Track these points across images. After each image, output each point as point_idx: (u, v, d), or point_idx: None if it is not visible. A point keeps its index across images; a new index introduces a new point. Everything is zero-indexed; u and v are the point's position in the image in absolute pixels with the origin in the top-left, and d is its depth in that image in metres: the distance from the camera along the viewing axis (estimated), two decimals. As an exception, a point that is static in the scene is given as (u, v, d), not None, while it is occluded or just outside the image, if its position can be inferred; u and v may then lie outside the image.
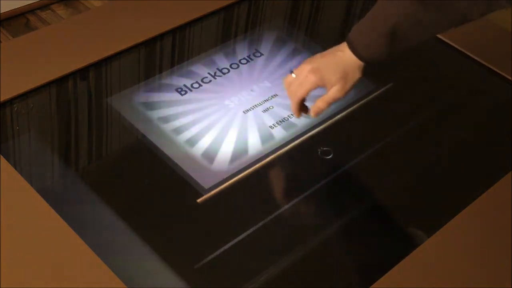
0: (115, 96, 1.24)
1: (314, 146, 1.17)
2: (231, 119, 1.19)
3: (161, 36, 1.34)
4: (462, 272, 0.98)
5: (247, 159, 1.13)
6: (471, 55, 1.37)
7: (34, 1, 1.51)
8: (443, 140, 1.23)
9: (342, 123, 1.21)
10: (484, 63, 1.36)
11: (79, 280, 0.90)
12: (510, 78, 1.33)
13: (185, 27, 1.37)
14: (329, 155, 1.16)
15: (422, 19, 0.92)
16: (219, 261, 0.99)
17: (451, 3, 0.91)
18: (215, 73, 1.28)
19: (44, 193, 1.00)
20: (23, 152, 1.13)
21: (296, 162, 1.16)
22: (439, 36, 1.39)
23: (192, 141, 1.15)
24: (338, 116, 1.22)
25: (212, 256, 0.99)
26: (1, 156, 1.04)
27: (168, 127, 1.17)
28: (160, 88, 1.25)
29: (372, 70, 1.31)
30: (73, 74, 1.23)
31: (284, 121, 1.20)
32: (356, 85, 1.29)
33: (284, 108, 1.22)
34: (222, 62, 1.31)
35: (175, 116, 1.19)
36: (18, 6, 1.49)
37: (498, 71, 1.34)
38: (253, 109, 1.21)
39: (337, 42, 1.01)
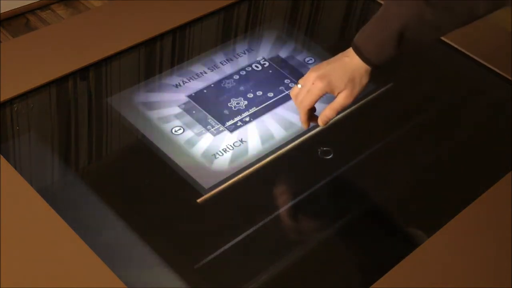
0: (115, 96, 1.24)
1: (314, 146, 1.17)
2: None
3: (161, 36, 1.34)
4: (462, 272, 0.98)
5: (247, 159, 1.13)
6: (471, 55, 1.37)
7: (34, 1, 1.51)
8: (443, 140, 1.23)
9: (342, 123, 1.21)
10: (484, 63, 1.36)
11: (79, 280, 0.90)
12: (510, 78, 1.33)
13: (185, 27, 1.37)
14: (329, 155, 1.16)
15: (429, 19, 0.92)
16: (219, 261, 0.99)
17: (457, 1, 0.91)
18: (215, 73, 1.28)
19: (44, 193, 1.00)
20: (23, 152, 1.13)
21: (296, 162, 1.16)
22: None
23: (192, 141, 1.15)
24: (338, 116, 1.22)
25: (212, 256, 0.99)
26: (1, 156, 1.04)
27: (168, 127, 1.17)
28: (160, 88, 1.25)
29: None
30: (73, 74, 1.23)
31: (284, 121, 1.20)
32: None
33: (284, 108, 1.22)
34: (222, 62, 1.31)
35: (175, 116, 1.19)
36: (18, 6, 1.49)
37: (498, 71, 1.34)
38: (253, 109, 1.21)
39: (337, 42, 1.02)
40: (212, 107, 1.21)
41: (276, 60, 1.32)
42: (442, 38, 1.40)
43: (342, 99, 0.98)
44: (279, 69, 1.30)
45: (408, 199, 1.12)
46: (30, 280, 0.89)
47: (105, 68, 1.26)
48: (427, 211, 1.09)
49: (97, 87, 1.25)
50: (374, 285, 0.94)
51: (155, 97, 1.23)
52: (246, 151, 1.14)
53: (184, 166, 1.10)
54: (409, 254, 0.99)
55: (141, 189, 1.09)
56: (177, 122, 1.17)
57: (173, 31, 1.35)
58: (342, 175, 1.14)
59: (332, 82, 0.97)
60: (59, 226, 0.96)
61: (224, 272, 0.98)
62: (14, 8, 1.49)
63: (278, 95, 1.24)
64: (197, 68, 1.29)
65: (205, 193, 1.07)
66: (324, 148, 1.16)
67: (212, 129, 1.17)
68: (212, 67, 1.29)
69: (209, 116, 1.19)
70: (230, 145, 1.15)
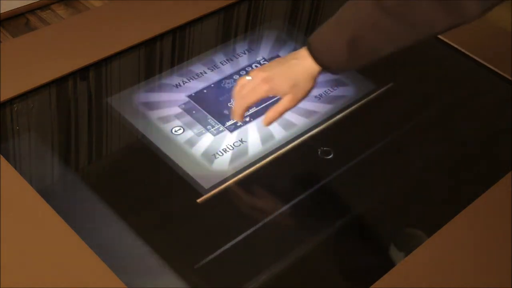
0: (115, 96, 1.24)
1: (314, 146, 1.17)
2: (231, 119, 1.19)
3: (161, 36, 1.34)
4: (462, 272, 0.98)
5: (247, 159, 1.13)
6: (471, 55, 1.37)
7: (34, 1, 1.51)
8: (443, 140, 1.23)
9: (342, 123, 1.21)
10: (484, 63, 1.36)
11: (79, 280, 0.90)
12: (510, 78, 1.33)
13: (185, 27, 1.37)
14: (329, 155, 1.16)
15: (384, 28, 0.89)
16: (219, 261, 0.99)
17: (413, 11, 0.87)
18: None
19: (44, 193, 1.00)
20: (23, 152, 1.13)
21: (296, 162, 1.16)
22: (439, 36, 1.40)
23: (192, 141, 1.15)
24: (338, 116, 1.22)
25: (212, 256, 0.99)
26: (1, 156, 1.04)
27: (168, 127, 1.17)
28: (160, 88, 1.25)
29: (372, 70, 1.31)
30: (73, 74, 1.23)
31: (284, 121, 1.20)
32: (356, 85, 1.30)
33: (284, 108, 1.22)
34: (222, 62, 1.31)
35: (175, 116, 1.19)
36: (18, 6, 1.49)
37: (498, 71, 1.34)
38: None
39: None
40: (212, 107, 1.21)
41: (276, 60, 1.32)
42: (442, 38, 1.40)
43: (285, 102, 0.99)
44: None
45: (408, 199, 1.12)
46: (30, 280, 0.89)
47: (105, 68, 1.26)
48: (427, 211, 1.10)
49: (97, 87, 1.25)
50: (374, 285, 0.94)
51: (155, 97, 1.23)
52: (246, 151, 1.14)
53: (184, 166, 1.10)
54: (409, 254, 0.99)
55: (141, 189, 1.09)
56: (177, 122, 1.17)
57: (173, 31, 1.35)
58: (342, 175, 1.14)
59: (276, 86, 0.97)
60: (59, 226, 0.96)
61: (224, 272, 0.98)
62: (14, 8, 1.49)
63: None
64: (197, 68, 1.29)
65: (205, 193, 1.07)
66: (324, 148, 1.16)
67: (212, 129, 1.17)
68: (212, 67, 1.29)
69: (209, 116, 1.19)
70: (230, 145, 1.15)
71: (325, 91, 1.27)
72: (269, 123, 1.01)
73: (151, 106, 1.21)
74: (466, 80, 1.37)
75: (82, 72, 1.24)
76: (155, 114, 1.19)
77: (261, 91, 0.98)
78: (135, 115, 1.19)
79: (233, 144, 1.15)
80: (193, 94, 1.23)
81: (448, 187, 1.14)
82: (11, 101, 1.16)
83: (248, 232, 1.03)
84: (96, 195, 1.05)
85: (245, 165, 1.12)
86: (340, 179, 1.13)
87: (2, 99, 1.15)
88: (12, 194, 0.99)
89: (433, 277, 0.96)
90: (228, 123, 1.18)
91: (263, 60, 1.32)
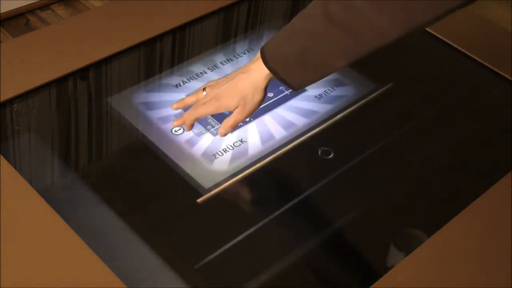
0: (115, 96, 1.24)
1: (314, 146, 1.17)
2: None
3: (161, 36, 1.34)
4: (462, 272, 0.98)
5: (247, 159, 1.13)
6: (471, 55, 1.37)
7: (34, 1, 1.51)
8: (443, 140, 1.23)
9: (342, 123, 1.21)
10: (484, 63, 1.36)
11: (79, 280, 0.90)
12: (510, 78, 1.33)
13: (185, 27, 1.37)
14: (329, 155, 1.16)
15: (333, 39, 0.87)
16: (219, 261, 0.99)
17: (359, 21, 0.85)
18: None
19: (44, 193, 1.00)
20: (23, 152, 1.13)
21: (296, 162, 1.16)
22: (439, 36, 1.40)
23: (192, 141, 1.15)
24: (338, 116, 1.22)
25: (212, 256, 0.99)
26: (1, 156, 1.04)
27: (168, 127, 1.17)
28: (160, 88, 1.25)
29: (372, 70, 1.31)
30: (73, 74, 1.23)
31: (284, 121, 1.20)
32: (356, 85, 1.30)
33: (284, 108, 1.22)
34: (222, 62, 1.31)
35: (175, 116, 1.19)
36: (18, 6, 1.49)
37: (498, 71, 1.34)
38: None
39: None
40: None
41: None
42: (442, 38, 1.40)
43: (235, 115, 1.01)
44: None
45: (408, 199, 1.12)
46: (30, 280, 0.89)
47: (105, 68, 1.26)
48: (427, 211, 1.10)
49: (97, 87, 1.25)
50: (374, 285, 0.94)
51: (155, 97, 1.23)
52: (246, 151, 1.14)
53: (184, 166, 1.10)
54: (409, 254, 0.99)
55: (141, 189, 1.09)
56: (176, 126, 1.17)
57: (173, 31, 1.35)
58: (342, 175, 1.14)
59: (224, 103, 1.01)
60: (59, 226, 0.96)
61: (224, 272, 0.98)
62: (14, 8, 1.49)
63: (278, 95, 1.24)
64: (197, 68, 1.29)
65: (205, 193, 1.07)
66: (324, 148, 1.16)
67: (212, 129, 1.17)
68: (212, 67, 1.29)
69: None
70: (230, 145, 1.15)
71: (325, 91, 1.27)
72: (224, 134, 1.05)
73: (151, 106, 1.21)
74: (466, 80, 1.37)
75: (82, 72, 1.24)
76: (155, 114, 1.19)
77: (211, 108, 1.02)
78: (135, 115, 1.19)
79: (233, 144, 1.15)
80: (193, 94, 1.23)
81: (448, 187, 1.14)
82: (11, 101, 1.16)
83: (248, 232, 1.03)
84: (96, 195, 1.05)
85: (245, 165, 1.12)
86: (340, 179, 1.13)
87: (2, 99, 1.15)
88: (12, 194, 0.99)
89: (433, 277, 0.96)
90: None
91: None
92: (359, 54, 0.88)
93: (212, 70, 1.28)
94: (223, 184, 1.09)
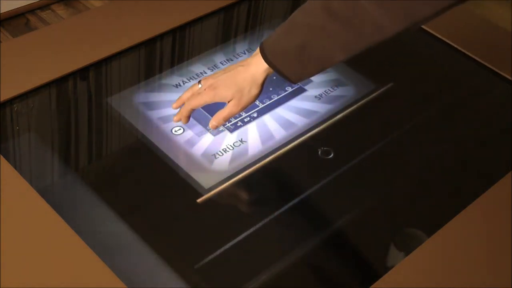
0: (115, 96, 1.24)
1: (314, 146, 1.17)
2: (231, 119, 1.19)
3: (161, 36, 1.34)
4: (462, 272, 0.98)
5: (247, 159, 1.13)
6: (471, 55, 1.37)
7: (34, 1, 1.51)
8: (443, 140, 1.23)
9: (342, 123, 1.21)
10: (484, 63, 1.36)
11: (79, 280, 0.90)
12: (510, 78, 1.33)
13: (185, 27, 1.37)
14: (329, 155, 1.16)
15: (333, 33, 0.88)
16: (219, 261, 0.99)
17: (359, 14, 0.85)
18: (215, 73, 1.28)
19: (44, 193, 1.00)
20: (23, 152, 1.13)
21: (296, 162, 1.16)
22: (439, 36, 1.40)
23: (192, 141, 1.15)
24: (338, 116, 1.22)
25: (212, 256, 0.99)
26: (1, 156, 1.04)
27: (168, 127, 1.17)
28: (160, 88, 1.25)
29: (372, 70, 1.31)
30: (73, 74, 1.23)
31: (284, 121, 1.20)
32: (356, 85, 1.30)
33: (284, 108, 1.22)
34: (222, 62, 1.31)
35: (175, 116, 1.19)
36: (18, 6, 1.49)
37: (498, 71, 1.34)
38: (253, 109, 1.21)
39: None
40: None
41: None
42: (442, 38, 1.40)
43: (229, 107, 1.02)
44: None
45: (408, 199, 1.12)
46: (30, 280, 0.89)
47: (105, 68, 1.26)
48: (427, 211, 1.10)
49: (97, 87, 1.25)
50: (374, 285, 0.94)
51: (155, 97, 1.23)
52: (246, 151, 1.14)
53: (184, 166, 1.10)
54: (409, 254, 0.99)
55: (141, 189, 1.09)
56: (177, 122, 1.17)
57: (173, 31, 1.35)
58: (342, 175, 1.14)
59: (219, 93, 1.02)
60: (59, 226, 0.96)
61: (224, 272, 0.98)
62: (14, 8, 1.49)
63: (278, 95, 1.24)
64: (197, 68, 1.29)
65: (205, 193, 1.07)
66: (324, 148, 1.16)
67: (212, 129, 1.17)
68: (212, 67, 1.29)
69: (209, 116, 1.19)
70: (230, 145, 1.15)
71: (325, 91, 1.27)
72: (215, 127, 1.06)
73: (151, 106, 1.21)
74: (466, 80, 1.37)
75: (82, 72, 1.24)
76: (155, 114, 1.19)
77: (205, 97, 1.03)
78: (135, 115, 1.19)
79: (233, 144, 1.15)
80: (193, 94, 1.23)
81: (448, 187, 1.14)
82: (11, 101, 1.16)
83: (248, 232, 1.03)
84: (96, 195, 1.05)
85: (245, 165, 1.12)
86: (340, 179, 1.13)
87: (2, 99, 1.15)
88: (12, 194, 0.99)
89: (433, 277, 0.96)
90: (228, 123, 1.18)
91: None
92: (358, 48, 0.89)
93: (212, 70, 1.28)
94: (223, 184, 1.09)
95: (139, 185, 1.09)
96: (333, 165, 1.15)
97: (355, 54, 0.90)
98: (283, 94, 1.24)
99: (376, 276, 0.95)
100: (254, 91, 1.00)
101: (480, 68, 1.36)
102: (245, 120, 1.19)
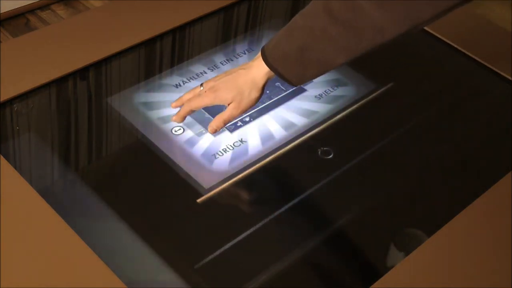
0: (115, 96, 1.24)
1: (314, 146, 1.17)
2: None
3: (161, 36, 1.34)
4: (462, 272, 0.98)
5: (247, 159, 1.13)
6: (471, 55, 1.37)
7: (34, 1, 1.51)
8: (443, 140, 1.23)
9: (342, 123, 1.21)
10: (484, 63, 1.36)
11: (79, 280, 0.90)
12: (510, 78, 1.33)
13: (185, 27, 1.37)
14: (329, 155, 1.16)
15: (333, 36, 0.88)
16: (219, 261, 0.99)
17: (359, 17, 0.85)
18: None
19: (44, 193, 1.00)
20: (23, 152, 1.13)
21: (296, 162, 1.16)
22: (439, 36, 1.40)
23: (192, 141, 1.15)
24: (338, 116, 1.22)
25: (212, 256, 0.99)
26: (1, 156, 1.04)
27: (168, 127, 1.17)
28: (160, 88, 1.25)
29: (372, 70, 1.31)
30: (73, 74, 1.23)
31: (284, 121, 1.20)
32: (356, 85, 1.30)
33: (284, 108, 1.22)
34: (222, 62, 1.31)
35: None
36: (18, 6, 1.49)
37: (498, 71, 1.34)
38: (253, 109, 1.21)
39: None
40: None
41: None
42: (442, 38, 1.40)
43: (229, 110, 1.03)
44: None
45: (408, 199, 1.12)
46: (30, 280, 0.89)
47: (105, 68, 1.26)
48: (427, 211, 1.09)
49: (97, 87, 1.25)
50: (374, 285, 0.94)
51: (155, 97, 1.23)
52: (246, 151, 1.14)
53: (184, 166, 1.10)
54: (409, 254, 0.99)
55: (141, 189, 1.09)
56: (175, 122, 1.17)
57: (173, 31, 1.35)
58: (342, 175, 1.14)
59: (220, 96, 1.02)
60: (59, 226, 0.96)
61: (224, 272, 0.98)
62: (14, 8, 1.49)
63: (278, 95, 1.24)
64: (197, 68, 1.29)
65: (205, 193, 1.07)
66: (324, 148, 1.16)
67: (212, 129, 1.17)
68: (212, 67, 1.29)
69: (209, 116, 1.19)
70: (230, 145, 1.15)
71: (325, 91, 1.27)
72: (214, 130, 1.06)
73: (151, 106, 1.21)
74: (466, 80, 1.37)
75: (82, 72, 1.24)
76: (155, 114, 1.19)
77: (206, 99, 1.04)
78: (135, 115, 1.19)
79: (233, 144, 1.15)
80: (193, 94, 1.23)
81: (448, 187, 1.14)
82: (11, 101, 1.16)
83: (248, 232, 1.03)
84: (96, 195, 1.05)
85: (245, 165, 1.12)
86: (340, 179, 1.13)
87: (2, 99, 1.15)
88: (12, 194, 0.99)
89: (433, 277, 0.96)
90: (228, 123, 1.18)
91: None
92: (359, 51, 0.89)
93: (212, 70, 1.28)
94: (223, 184, 1.09)
95: (139, 185, 1.09)
96: (333, 165, 1.15)
97: (356, 57, 0.89)
98: (283, 94, 1.24)
99: (376, 276, 0.95)
100: (255, 94, 1.00)
101: (480, 68, 1.36)
102: (245, 120, 1.19)
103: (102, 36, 1.31)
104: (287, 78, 0.95)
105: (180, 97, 1.09)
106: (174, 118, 1.09)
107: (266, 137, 1.17)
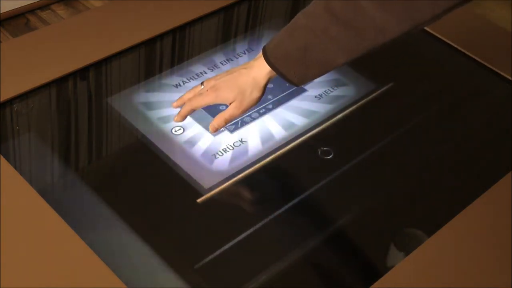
0: (115, 96, 1.24)
1: (314, 146, 1.17)
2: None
3: (161, 36, 1.34)
4: (462, 272, 0.98)
5: (247, 159, 1.13)
6: (472, 55, 1.37)
7: (34, 1, 1.51)
8: (443, 140, 1.23)
9: (342, 123, 1.21)
10: (484, 63, 1.36)
11: (79, 280, 0.90)
12: (510, 78, 1.33)
13: (185, 27, 1.37)
14: (329, 155, 1.16)
15: (334, 35, 0.88)
16: (219, 261, 0.99)
17: (361, 16, 0.85)
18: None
19: (44, 193, 1.00)
20: (23, 152, 1.13)
21: (296, 162, 1.16)
22: (439, 36, 1.40)
23: (192, 141, 1.15)
24: (338, 116, 1.22)
25: (212, 256, 0.99)
26: (1, 156, 1.04)
27: (168, 127, 1.17)
28: (160, 88, 1.25)
29: (372, 70, 1.31)
30: (73, 74, 1.23)
31: (284, 121, 1.20)
32: (356, 85, 1.30)
33: (284, 108, 1.22)
34: (222, 62, 1.31)
35: (175, 116, 1.18)
36: (18, 6, 1.49)
37: (498, 71, 1.34)
38: (253, 109, 1.21)
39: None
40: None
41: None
42: (442, 38, 1.40)
43: (231, 109, 1.02)
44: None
45: (408, 199, 1.12)
46: (30, 280, 0.89)
47: (105, 68, 1.26)
48: (427, 211, 1.09)
49: (97, 87, 1.25)
50: (374, 285, 0.94)
51: (155, 97, 1.23)
52: (246, 151, 1.14)
53: (184, 166, 1.10)
54: (409, 254, 0.99)
55: (141, 189, 1.09)
56: (177, 122, 1.17)
57: (173, 31, 1.35)
58: (342, 175, 1.14)
59: (221, 95, 1.02)
60: (59, 226, 0.96)
61: (224, 272, 0.98)
62: (14, 8, 1.49)
63: (278, 95, 1.24)
64: (197, 68, 1.29)
65: (205, 193, 1.07)
66: (324, 148, 1.16)
67: (212, 129, 1.17)
68: (212, 67, 1.29)
69: (210, 116, 1.19)
70: (230, 145, 1.15)
71: (325, 91, 1.27)
72: (215, 129, 1.05)
73: (151, 106, 1.21)
74: (466, 80, 1.37)
75: (82, 72, 1.24)
76: (155, 114, 1.19)
77: (207, 98, 1.03)
78: (135, 115, 1.19)
79: (233, 144, 1.15)
80: (193, 94, 1.23)
81: (448, 187, 1.14)
82: (11, 101, 1.16)
83: (248, 232, 1.03)
84: (96, 195, 1.05)
85: (245, 165, 1.12)
86: (340, 179, 1.13)
87: (2, 99, 1.15)
88: (12, 194, 0.99)
89: (433, 277, 0.96)
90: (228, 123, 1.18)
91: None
92: (361, 50, 0.89)
93: (212, 70, 1.28)
94: (223, 184, 1.09)
95: (139, 185, 1.09)
96: (333, 165, 1.15)
97: (358, 57, 0.89)
98: (283, 94, 1.24)
99: (376, 276, 0.95)
100: (256, 94, 1.00)
101: (480, 68, 1.36)
102: (245, 120, 1.19)
103: (102, 36, 1.31)
104: (289, 78, 0.95)
105: (181, 97, 1.09)
106: (175, 118, 1.08)
107: (266, 137, 1.17)
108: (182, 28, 1.37)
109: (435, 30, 1.40)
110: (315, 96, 1.25)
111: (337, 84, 1.29)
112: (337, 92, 1.27)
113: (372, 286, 0.94)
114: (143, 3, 1.39)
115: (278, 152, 1.15)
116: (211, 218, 1.06)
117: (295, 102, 1.24)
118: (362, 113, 1.24)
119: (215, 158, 1.13)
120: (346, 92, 1.27)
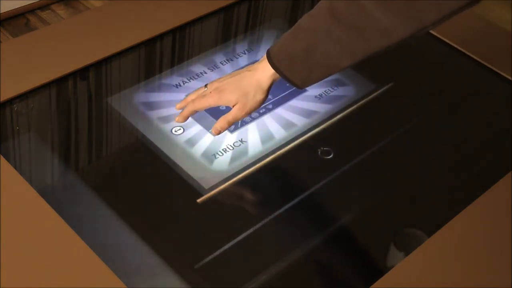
0: (115, 96, 1.24)
1: (314, 146, 1.17)
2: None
3: (161, 36, 1.34)
4: (462, 272, 0.98)
5: (247, 159, 1.13)
6: (471, 55, 1.37)
7: (34, 1, 1.51)
8: (443, 140, 1.23)
9: (342, 123, 1.21)
10: (484, 63, 1.36)
11: (79, 280, 0.90)
12: (510, 78, 1.33)
13: (185, 27, 1.37)
14: (329, 155, 1.16)
15: (338, 37, 0.87)
16: (219, 261, 0.99)
17: (364, 18, 0.85)
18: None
19: (44, 193, 1.00)
20: (23, 152, 1.13)
21: (296, 162, 1.16)
22: (439, 36, 1.40)
23: (192, 141, 1.15)
24: (338, 116, 1.22)
25: (212, 256, 0.99)
26: (1, 156, 1.04)
27: (168, 127, 1.17)
28: (160, 88, 1.25)
29: (372, 70, 1.31)
30: (73, 74, 1.23)
31: (284, 121, 1.20)
32: (356, 85, 1.30)
33: (284, 108, 1.22)
34: (222, 62, 1.31)
35: (175, 116, 1.18)
36: (18, 6, 1.49)
37: (498, 71, 1.34)
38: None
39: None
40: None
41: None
42: (442, 38, 1.40)
43: (234, 111, 1.02)
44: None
45: (408, 199, 1.12)
46: (30, 280, 0.89)
47: (105, 68, 1.26)
48: (427, 211, 1.10)
49: (97, 87, 1.25)
50: (374, 285, 0.94)
51: (155, 97, 1.23)
52: (246, 151, 1.14)
53: (184, 166, 1.10)
54: (409, 254, 0.99)
55: (141, 189, 1.09)
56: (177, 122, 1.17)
57: (173, 31, 1.35)
58: (342, 175, 1.14)
59: (224, 97, 1.01)
60: (59, 226, 0.96)
61: (224, 272, 0.98)
62: (14, 8, 1.49)
63: (278, 96, 1.24)
64: (197, 68, 1.29)
65: (205, 193, 1.07)
66: (324, 148, 1.16)
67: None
68: (212, 67, 1.29)
69: (210, 116, 1.19)
70: (230, 145, 1.15)
71: (325, 91, 1.27)
72: (218, 132, 1.05)
73: (151, 106, 1.21)
74: (466, 80, 1.37)
75: (82, 72, 1.24)
76: (155, 114, 1.19)
77: (210, 100, 1.03)
78: (135, 115, 1.19)
79: (233, 144, 1.15)
80: (193, 94, 1.23)
81: (448, 187, 1.14)
82: (11, 101, 1.16)
83: (248, 232, 1.03)
84: (96, 195, 1.05)
85: (245, 165, 1.12)
86: (340, 179, 1.13)
87: (2, 99, 1.15)
88: (12, 194, 0.99)
89: (433, 277, 0.96)
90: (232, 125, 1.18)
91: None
92: (365, 53, 0.88)
93: (212, 70, 1.29)
94: (223, 184, 1.09)
95: (139, 185, 1.09)
96: (333, 165, 1.15)
97: (362, 60, 0.89)
98: (283, 94, 1.24)
99: (376, 276, 0.95)
100: (259, 96, 1.00)
101: (480, 68, 1.36)
102: (245, 120, 1.19)
103: (102, 36, 1.31)
104: (292, 80, 0.95)
105: (184, 98, 1.09)
106: (177, 118, 1.08)
107: (266, 137, 1.17)
108: (182, 28, 1.37)
109: (435, 30, 1.40)
110: (315, 96, 1.25)
111: (337, 84, 1.29)
112: (337, 92, 1.27)
113: (372, 286, 0.94)
114: (143, 3, 1.39)
115: (278, 152, 1.15)
116: (211, 218, 1.06)
117: (295, 102, 1.24)
118: (362, 113, 1.24)
119: (215, 158, 1.13)
120: (346, 92, 1.27)
